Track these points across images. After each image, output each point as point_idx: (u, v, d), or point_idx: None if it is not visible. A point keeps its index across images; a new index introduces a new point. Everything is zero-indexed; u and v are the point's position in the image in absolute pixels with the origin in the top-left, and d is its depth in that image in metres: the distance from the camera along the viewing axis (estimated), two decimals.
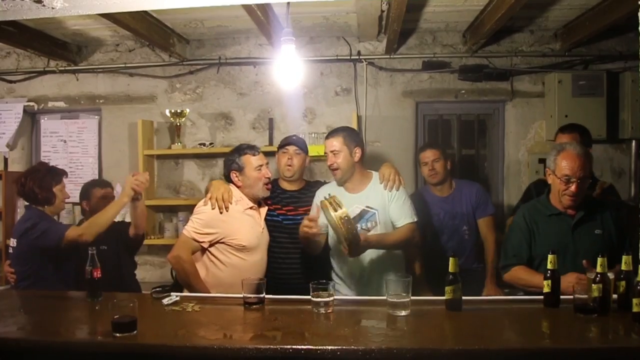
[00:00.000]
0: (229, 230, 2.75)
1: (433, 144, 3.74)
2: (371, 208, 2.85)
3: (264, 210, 2.99)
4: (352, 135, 2.94)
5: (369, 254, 2.78)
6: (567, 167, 2.48)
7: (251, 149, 2.91)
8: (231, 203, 2.78)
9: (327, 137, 2.94)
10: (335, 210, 2.47)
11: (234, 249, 2.77)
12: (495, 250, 3.41)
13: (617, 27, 3.86)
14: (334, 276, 2.98)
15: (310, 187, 3.16)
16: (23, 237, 2.86)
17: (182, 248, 2.71)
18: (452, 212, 3.49)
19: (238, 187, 2.89)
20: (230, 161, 2.90)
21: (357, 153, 2.88)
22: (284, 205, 3.10)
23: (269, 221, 3.04)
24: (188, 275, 2.67)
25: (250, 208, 2.87)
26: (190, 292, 2.66)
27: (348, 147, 2.86)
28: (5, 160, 4.58)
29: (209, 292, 2.66)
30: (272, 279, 2.89)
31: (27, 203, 3.01)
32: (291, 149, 3.13)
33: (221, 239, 2.76)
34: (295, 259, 3.04)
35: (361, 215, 2.83)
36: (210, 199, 2.78)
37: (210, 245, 2.77)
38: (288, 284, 2.88)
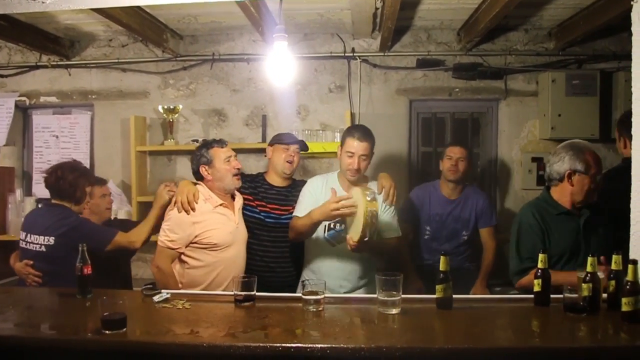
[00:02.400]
0: (199, 230, 2.71)
1: (463, 142, 3.74)
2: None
3: (238, 202, 2.92)
4: (374, 141, 2.90)
5: (347, 257, 2.82)
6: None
7: (218, 142, 2.90)
8: (197, 203, 2.73)
9: (355, 138, 2.81)
10: (370, 201, 2.47)
11: (207, 248, 2.74)
12: (494, 256, 3.49)
13: (611, 26, 3.85)
14: (307, 273, 2.96)
15: (297, 185, 3.14)
16: (63, 237, 2.81)
17: (161, 258, 2.71)
18: (456, 215, 3.51)
19: (208, 181, 2.84)
20: (199, 156, 2.85)
21: (371, 157, 2.92)
22: (268, 202, 3.08)
23: (249, 217, 3.01)
24: (167, 287, 2.57)
25: (221, 205, 2.81)
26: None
27: (371, 153, 2.87)
28: None
29: None
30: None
31: (52, 200, 2.99)
32: (293, 147, 3.12)
33: (193, 240, 2.72)
34: (273, 257, 3.05)
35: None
36: (175, 202, 2.74)
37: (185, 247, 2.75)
38: (266, 283, 2.80)
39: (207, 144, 2.89)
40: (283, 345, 1.74)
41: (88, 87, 4.51)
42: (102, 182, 3.34)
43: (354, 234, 2.56)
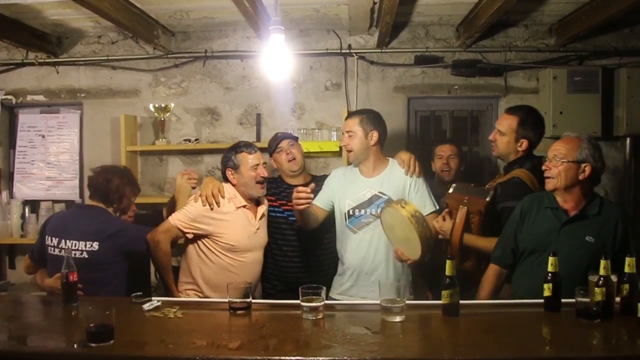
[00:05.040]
0: (218, 227, 2.69)
1: (452, 139, 3.64)
2: (383, 194, 2.79)
3: (262, 209, 2.90)
4: (372, 118, 2.88)
5: (369, 244, 2.76)
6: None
7: (248, 147, 2.86)
8: (223, 197, 2.72)
9: (345, 118, 2.95)
10: (402, 208, 2.40)
11: (223, 249, 2.70)
12: None
13: (613, 22, 3.80)
14: (339, 265, 2.92)
15: (316, 180, 3.10)
16: (109, 241, 2.63)
17: (163, 234, 2.64)
18: None
19: (233, 185, 2.83)
20: (227, 158, 2.86)
21: (374, 136, 2.83)
22: (290, 200, 3.00)
23: (273, 218, 3.02)
24: (159, 264, 2.63)
25: (244, 207, 2.79)
26: (158, 278, 2.67)
27: (364, 130, 2.83)
28: None
29: (173, 288, 2.68)
30: (280, 276, 3.02)
31: (92, 203, 2.78)
32: (284, 144, 3.10)
33: (208, 235, 2.70)
34: (301, 258, 3.03)
35: (371, 201, 2.79)
36: (200, 196, 2.71)
37: (197, 239, 2.71)
38: (296, 281, 2.78)
39: (237, 148, 2.87)
40: (281, 358, 1.64)
41: (77, 85, 4.37)
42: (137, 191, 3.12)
43: (410, 253, 2.52)
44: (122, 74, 4.34)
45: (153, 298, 2.23)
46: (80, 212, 2.87)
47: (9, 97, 4.39)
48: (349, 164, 3.07)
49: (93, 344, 1.72)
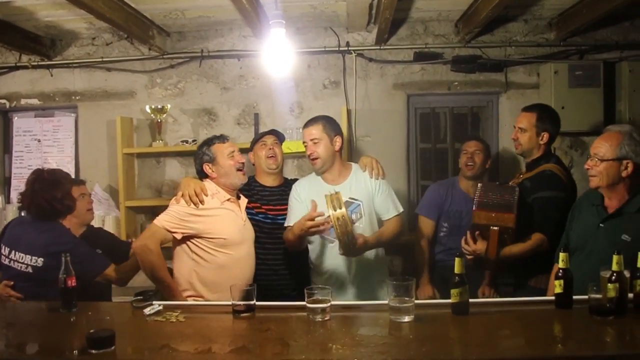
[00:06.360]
0: (207, 225, 2.61)
1: (478, 137, 3.62)
2: (355, 199, 2.74)
3: (243, 202, 2.86)
4: (332, 124, 2.83)
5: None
6: None
7: (219, 138, 2.82)
8: (206, 195, 2.65)
9: (305, 126, 2.84)
10: (335, 210, 2.37)
11: (217, 245, 2.63)
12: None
13: (614, 15, 3.77)
14: (313, 275, 2.86)
15: (290, 184, 3.02)
16: (53, 259, 2.39)
17: (150, 238, 2.53)
18: None
19: (213, 179, 2.75)
20: (201, 154, 2.78)
21: (338, 142, 2.80)
22: (263, 203, 2.98)
23: (249, 220, 2.92)
24: (153, 267, 2.49)
25: (228, 200, 2.73)
26: (155, 284, 2.53)
27: (328, 136, 2.77)
28: None
29: (176, 286, 2.57)
30: (255, 281, 2.82)
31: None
32: (270, 139, 3.05)
33: (198, 234, 2.61)
34: (276, 261, 2.94)
35: (346, 207, 2.69)
36: (182, 196, 2.61)
37: (187, 241, 2.63)
38: (270, 287, 2.78)
39: (208, 141, 2.81)
40: None
41: (71, 88, 4.31)
42: (79, 182, 3.04)
43: (340, 247, 2.52)
44: (117, 75, 4.28)
45: (154, 302, 2.17)
46: (34, 224, 2.66)
47: (3, 101, 4.35)
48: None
49: (94, 351, 1.66)
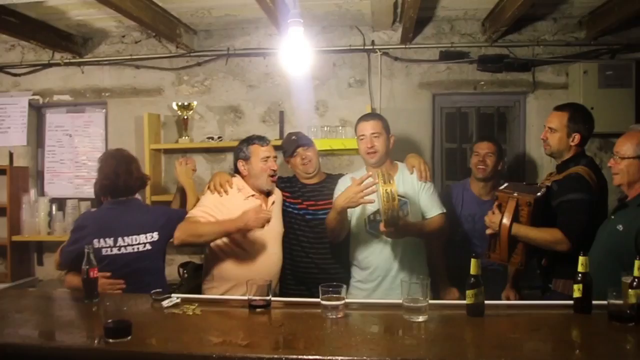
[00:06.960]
0: (230, 216, 2.66)
1: (491, 137, 3.55)
2: (402, 197, 2.75)
3: (272, 198, 2.93)
4: (387, 122, 2.90)
5: (395, 245, 2.73)
6: None
7: (260, 139, 2.92)
8: (231, 187, 2.80)
9: (364, 119, 2.88)
10: (385, 183, 2.39)
11: (239, 241, 2.70)
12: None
13: None
14: (354, 270, 2.89)
15: (331, 179, 3.09)
16: (164, 228, 2.69)
17: (185, 223, 2.70)
18: None
19: (244, 176, 2.88)
20: (239, 150, 2.93)
21: (391, 140, 2.87)
22: (305, 199, 3.04)
23: (291, 214, 3.02)
24: (201, 234, 2.66)
25: (252, 196, 2.82)
26: (216, 237, 2.68)
27: (386, 132, 2.83)
28: (11, 155, 4.47)
29: (223, 220, 2.66)
30: (296, 275, 3.00)
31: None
32: (300, 150, 3.08)
33: None
34: (320, 255, 3.00)
35: None
36: (208, 187, 2.85)
37: None
38: (313, 280, 2.80)
39: (249, 140, 2.93)
40: (300, 357, 1.59)
41: (101, 85, 4.42)
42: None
43: (383, 221, 2.50)
44: (146, 72, 4.36)
45: (172, 295, 2.21)
46: (121, 208, 2.71)
47: (37, 97, 4.47)
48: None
49: (111, 340, 1.71)
